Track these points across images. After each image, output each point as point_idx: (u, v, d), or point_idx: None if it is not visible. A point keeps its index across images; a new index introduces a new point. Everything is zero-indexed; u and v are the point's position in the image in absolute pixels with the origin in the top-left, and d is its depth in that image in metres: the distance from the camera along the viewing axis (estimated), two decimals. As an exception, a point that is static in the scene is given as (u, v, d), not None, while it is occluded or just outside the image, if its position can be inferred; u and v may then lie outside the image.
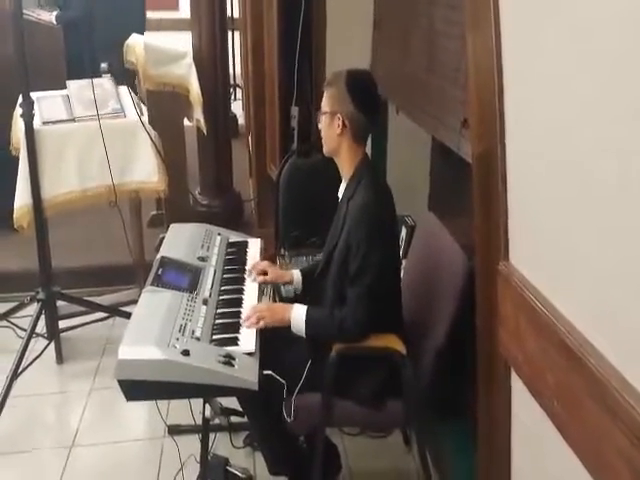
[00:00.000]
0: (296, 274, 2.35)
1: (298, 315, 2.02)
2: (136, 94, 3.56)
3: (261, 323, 2.01)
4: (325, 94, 2.07)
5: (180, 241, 2.45)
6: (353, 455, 2.58)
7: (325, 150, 2.12)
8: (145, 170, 3.23)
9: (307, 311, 2.02)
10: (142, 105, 3.51)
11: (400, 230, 3.03)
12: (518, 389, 1.57)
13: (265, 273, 2.35)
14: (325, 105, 2.07)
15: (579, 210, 1.21)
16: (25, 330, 3.06)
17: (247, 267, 2.40)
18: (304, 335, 2.01)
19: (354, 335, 1.97)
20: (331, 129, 2.04)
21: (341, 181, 2.15)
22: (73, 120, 3.14)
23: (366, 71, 2.09)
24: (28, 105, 2.87)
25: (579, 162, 1.19)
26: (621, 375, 1.09)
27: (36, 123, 2.99)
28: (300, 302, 2.11)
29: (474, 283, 1.81)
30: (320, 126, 2.10)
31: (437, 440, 2.47)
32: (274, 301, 2.74)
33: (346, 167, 2.09)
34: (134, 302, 2.33)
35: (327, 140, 2.09)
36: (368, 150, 2.14)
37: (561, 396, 1.29)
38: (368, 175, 2.05)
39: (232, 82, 6.69)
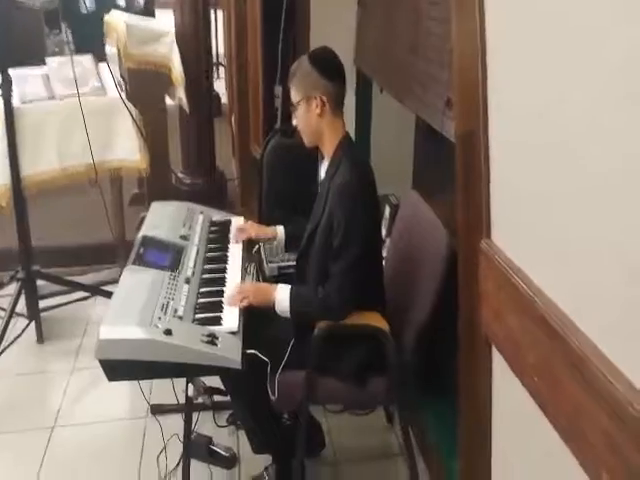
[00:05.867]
0: (280, 231, 2.39)
1: (282, 295, 2.01)
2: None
3: (244, 302, 2.01)
4: (292, 86, 2.08)
5: (162, 220, 2.43)
6: (336, 432, 2.60)
7: (308, 141, 2.12)
8: (126, 148, 3.21)
9: (291, 290, 2.02)
10: (123, 83, 3.47)
11: (384, 209, 3.04)
12: (499, 366, 1.58)
13: (249, 239, 2.42)
14: (296, 95, 2.06)
15: (561, 189, 1.21)
16: (5, 310, 3.05)
17: (231, 241, 2.43)
18: (288, 315, 2.01)
19: (338, 311, 1.98)
20: (309, 114, 2.04)
21: (324, 160, 2.15)
22: (53, 98, 3.10)
23: (323, 46, 2.13)
24: (7, 83, 2.83)
25: (562, 142, 1.19)
26: (601, 352, 1.10)
27: (15, 101, 2.95)
28: (284, 281, 2.10)
29: (456, 261, 1.82)
30: (296, 121, 2.10)
31: (419, 417, 2.49)
32: (257, 280, 2.74)
33: (328, 146, 2.09)
34: (115, 281, 2.32)
35: (307, 129, 2.08)
36: (352, 130, 2.14)
37: (541, 373, 1.30)
38: (349, 153, 2.05)
39: (215, 61, 6.64)
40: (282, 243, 2.40)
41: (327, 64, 2.05)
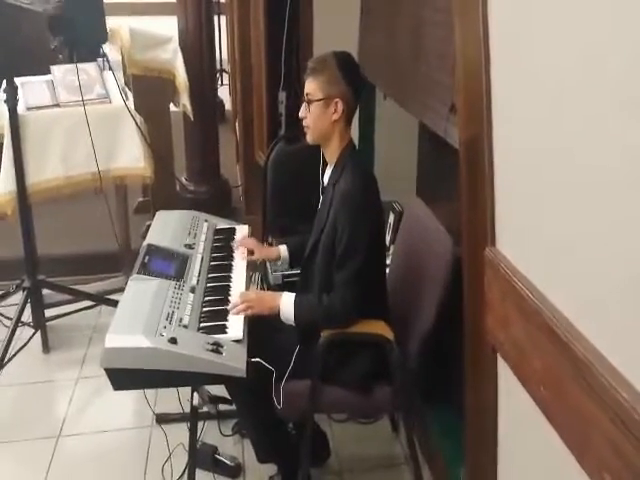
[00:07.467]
0: (282, 250, 2.37)
1: (287, 303, 2.01)
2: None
3: (249, 312, 2.00)
4: (313, 81, 2.01)
5: (167, 228, 2.43)
6: (341, 441, 2.58)
7: (313, 138, 2.07)
8: (131, 156, 3.21)
9: (295, 299, 2.01)
10: (127, 90, 3.47)
11: (388, 216, 3.03)
12: (504, 374, 1.57)
13: (252, 252, 2.38)
14: (317, 92, 2.01)
15: (566, 196, 1.21)
16: (11, 319, 3.05)
17: (235, 252, 2.41)
18: (293, 323, 2.01)
19: (342, 320, 1.97)
20: (325, 116, 2.01)
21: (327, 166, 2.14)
22: (58, 106, 3.11)
23: (347, 52, 2.10)
24: (12, 90, 2.84)
25: (566, 148, 1.19)
26: (606, 360, 1.09)
27: (20, 109, 2.95)
28: (289, 290, 2.10)
29: (461, 269, 1.81)
30: (302, 114, 2.05)
31: (424, 425, 2.48)
32: (262, 288, 2.74)
33: (332, 151, 2.07)
34: (121, 290, 2.32)
35: (317, 128, 2.04)
36: (356, 136, 2.13)
37: (547, 381, 1.30)
38: (353, 160, 2.04)
39: (219, 67, 6.64)
40: (287, 261, 2.38)
41: (355, 75, 2.05)
